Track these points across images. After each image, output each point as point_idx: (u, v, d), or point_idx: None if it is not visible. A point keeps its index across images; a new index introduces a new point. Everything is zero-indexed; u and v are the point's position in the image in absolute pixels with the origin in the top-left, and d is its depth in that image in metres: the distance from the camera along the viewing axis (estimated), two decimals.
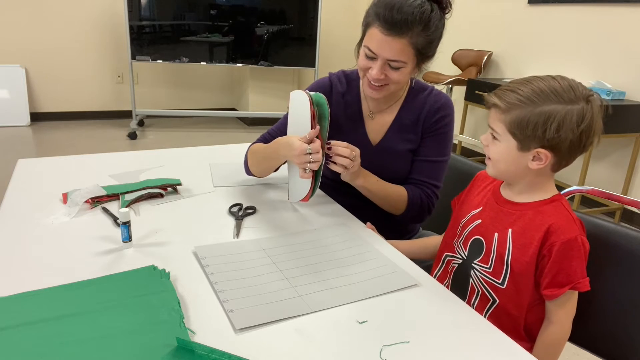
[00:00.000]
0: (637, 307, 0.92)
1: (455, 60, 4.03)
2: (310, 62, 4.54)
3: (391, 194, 1.21)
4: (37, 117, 4.55)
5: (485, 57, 3.79)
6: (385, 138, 1.26)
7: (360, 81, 1.29)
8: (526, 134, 0.86)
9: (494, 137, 0.92)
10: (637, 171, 2.95)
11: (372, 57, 1.11)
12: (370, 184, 1.18)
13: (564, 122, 0.83)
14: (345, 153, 1.08)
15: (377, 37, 1.08)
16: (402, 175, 1.27)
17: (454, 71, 4.04)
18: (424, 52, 1.11)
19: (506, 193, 0.98)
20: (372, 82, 1.15)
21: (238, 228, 1.07)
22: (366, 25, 1.12)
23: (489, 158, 0.95)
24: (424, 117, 1.24)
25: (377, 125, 1.27)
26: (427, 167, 1.25)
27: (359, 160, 1.12)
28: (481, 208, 1.01)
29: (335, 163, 1.10)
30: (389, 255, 0.99)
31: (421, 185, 1.25)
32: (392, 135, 1.26)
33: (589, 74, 3.14)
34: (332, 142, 1.10)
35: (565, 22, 3.29)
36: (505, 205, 0.97)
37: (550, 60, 3.44)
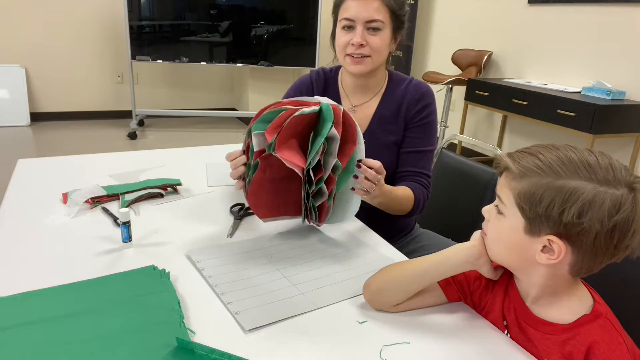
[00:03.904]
0: None
1: (455, 60, 4.03)
2: (310, 62, 4.54)
3: (401, 200, 1.17)
4: (37, 117, 4.55)
5: (485, 57, 3.79)
6: (368, 130, 1.28)
7: (340, 70, 1.33)
8: (537, 212, 0.64)
9: (499, 212, 0.71)
10: (637, 171, 2.95)
11: (350, 27, 1.18)
12: (386, 197, 1.08)
13: (590, 206, 0.61)
14: (371, 177, 0.97)
15: (352, 4, 1.17)
16: (389, 168, 1.19)
17: (454, 71, 4.04)
18: (398, 12, 1.19)
19: (532, 305, 0.74)
20: (354, 55, 1.18)
21: (234, 228, 1.07)
22: (337, 5, 1.22)
23: (485, 234, 0.75)
24: (405, 107, 1.26)
25: (359, 119, 1.25)
26: (417, 158, 1.26)
27: (382, 183, 1.02)
28: (506, 323, 0.78)
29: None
30: (388, 253, 0.99)
31: (416, 177, 1.24)
32: (374, 128, 1.27)
33: (589, 74, 3.14)
34: (365, 160, 0.97)
35: (566, 22, 3.29)
36: (538, 326, 0.72)
37: (550, 60, 3.44)
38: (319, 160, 0.94)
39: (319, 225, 1.06)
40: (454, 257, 0.76)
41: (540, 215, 0.64)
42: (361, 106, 1.30)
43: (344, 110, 0.94)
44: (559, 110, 2.90)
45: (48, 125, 4.49)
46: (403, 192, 1.18)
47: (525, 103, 3.15)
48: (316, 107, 0.93)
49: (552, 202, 0.63)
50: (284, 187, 0.99)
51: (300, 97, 0.98)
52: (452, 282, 0.81)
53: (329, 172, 0.94)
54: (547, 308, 0.72)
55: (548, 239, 0.65)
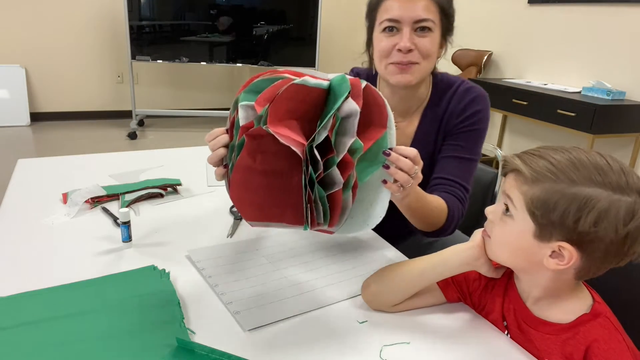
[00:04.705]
0: None
1: (455, 60, 4.03)
2: (310, 62, 4.53)
3: (433, 211, 0.97)
4: (37, 117, 4.54)
5: (485, 57, 3.79)
6: (412, 145, 1.11)
7: (378, 78, 1.15)
8: (550, 219, 0.63)
9: (506, 213, 0.69)
10: (638, 171, 2.95)
11: (394, 28, 1.01)
12: (417, 200, 0.90)
13: (606, 215, 0.60)
14: (407, 167, 0.75)
15: (394, 3, 1.00)
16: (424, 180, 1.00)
17: (454, 71, 4.04)
18: (448, 11, 1.03)
19: (532, 305, 0.74)
20: (401, 61, 1.01)
21: (234, 228, 1.06)
22: (374, 7, 1.05)
23: (489, 236, 0.72)
24: (447, 119, 1.09)
25: (399, 136, 1.08)
26: (455, 165, 1.06)
27: (419, 176, 0.81)
28: (505, 324, 0.77)
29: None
30: (388, 253, 0.99)
31: (451, 187, 1.04)
32: (417, 144, 1.11)
33: (589, 74, 3.14)
34: (397, 147, 0.76)
35: (566, 22, 3.29)
36: (538, 327, 0.72)
37: (550, 60, 3.44)
38: (328, 139, 0.69)
39: (329, 231, 0.76)
40: (453, 258, 0.76)
41: (553, 222, 0.63)
42: (400, 124, 1.12)
43: (367, 84, 0.72)
44: (559, 110, 2.90)
45: (48, 125, 4.49)
46: (436, 202, 0.98)
47: (525, 103, 3.15)
48: (323, 82, 0.70)
49: (566, 210, 0.61)
50: (280, 185, 0.72)
51: (303, 69, 0.75)
52: (452, 282, 0.81)
53: (344, 153, 0.69)
54: (548, 308, 0.72)
55: (559, 245, 0.63)
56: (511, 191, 0.68)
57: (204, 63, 4.43)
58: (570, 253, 0.63)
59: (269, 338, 0.72)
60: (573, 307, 0.70)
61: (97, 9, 4.51)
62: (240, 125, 0.70)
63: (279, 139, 0.65)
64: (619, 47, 2.97)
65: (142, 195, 1.17)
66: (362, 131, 0.70)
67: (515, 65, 3.71)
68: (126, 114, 4.68)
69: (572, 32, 3.24)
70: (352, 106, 0.69)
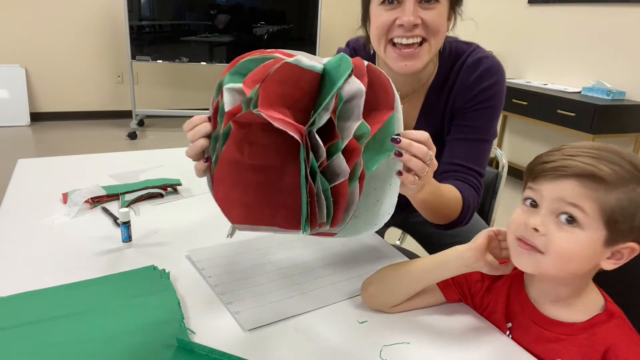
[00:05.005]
0: None
1: None
2: None
3: (449, 202, 0.88)
4: (37, 117, 4.54)
5: None
6: (416, 127, 1.01)
7: (377, 59, 1.01)
8: (632, 225, 0.60)
9: (571, 221, 0.61)
10: None
11: (394, 1, 0.86)
12: (432, 193, 0.80)
13: None
14: (421, 154, 0.65)
15: None
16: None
17: None
18: None
19: (543, 305, 0.71)
20: (403, 44, 0.87)
21: (234, 228, 1.06)
22: None
23: (541, 252, 0.63)
24: (453, 100, 0.96)
25: (405, 111, 0.98)
26: (468, 148, 0.94)
27: (435, 163, 0.72)
28: (510, 325, 0.75)
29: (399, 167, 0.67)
30: (388, 253, 0.99)
31: (465, 175, 0.93)
32: (422, 126, 1.01)
33: (589, 74, 3.14)
34: (406, 132, 0.66)
35: (566, 22, 3.29)
36: (551, 327, 0.70)
37: (550, 60, 3.44)
38: (330, 123, 0.59)
39: (331, 233, 0.66)
40: (452, 260, 0.75)
41: (632, 228, 0.60)
42: (405, 102, 0.99)
43: (369, 64, 0.63)
44: (559, 110, 2.90)
45: (48, 125, 4.49)
46: (450, 192, 0.88)
47: (525, 103, 3.15)
48: (317, 65, 0.61)
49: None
50: (272, 182, 0.64)
51: (300, 53, 0.64)
52: (452, 284, 0.81)
53: (349, 138, 0.59)
54: (560, 308, 0.70)
55: (628, 247, 0.62)
56: (579, 199, 0.60)
57: (204, 63, 4.43)
58: (631, 251, 0.62)
59: (269, 338, 0.72)
60: (586, 306, 0.69)
61: (97, 9, 4.51)
62: (226, 111, 0.60)
63: (273, 123, 0.55)
64: (619, 47, 2.96)
65: (142, 195, 1.17)
66: (366, 115, 0.61)
67: (515, 65, 3.71)
68: (126, 114, 4.68)
69: (572, 32, 3.24)
70: (356, 85, 0.60)
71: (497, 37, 3.83)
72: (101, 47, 4.65)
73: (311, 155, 0.58)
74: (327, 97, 0.59)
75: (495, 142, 0.99)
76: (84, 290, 0.80)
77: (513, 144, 3.78)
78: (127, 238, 0.96)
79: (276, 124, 0.56)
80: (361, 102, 0.60)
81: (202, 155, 0.66)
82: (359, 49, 1.06)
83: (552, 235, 0.62)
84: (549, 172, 0.63)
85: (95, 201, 1.14)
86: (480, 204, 1.24)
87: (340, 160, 0.59)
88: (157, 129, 4.68)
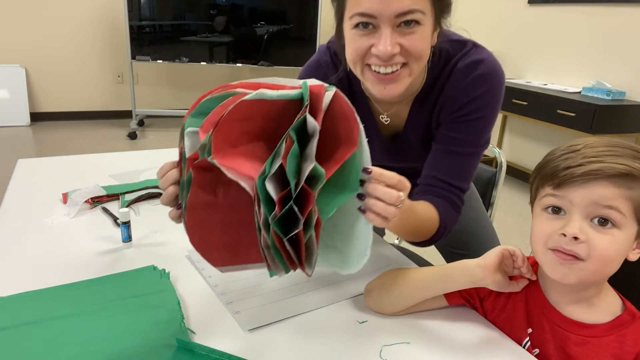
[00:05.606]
0: None
1: None
2: None
3: (423, 222, 0.83)
4: (37, 117, 4.55)
5: None
6: (399, 140, 0.97)
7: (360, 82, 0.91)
8: None
9: (610, 224, 0.60)
10: None
11: (369, 24, 0.75)
12: (403, 217, 0.70)
13: None
14: (391, 199, 0.61)
15: None
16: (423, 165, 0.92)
17: None
18: None
19: (564, 307, 0.69)
20: (381, 72, 0.78)
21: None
22: None
23: (581, 259, 0.61)
24: (439, 109, 0.89)
25: (390, 131, 0.96)
26: (450, 161, 0.87)
27: (407, 203, 0.69)
28: (531, 331, 0.72)
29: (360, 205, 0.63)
30: (388, 253, 0.99)
31: (444, 191, 0.87)
32: (408, 137, 0.96)
33: (589, 74, 3.14)
34: (374, 169, 0.61)
35: (565, 22, 3.29)
36: (575, 330, 0.67)
37: (550, 60, 3.44)
38: (284, 169, 0.56)
39: (306, 273, 0.63)
40: (459, 275, 0.73)
41: None
42: (392, 111, 0.93)
43: (336, 93, 0.59)
44: (558, 111, 2.90)
45: (48, 125, 4.49)
46: (426, 213, 0.83)
47: (525, 103, 3.15)
48: (291, 92, 0.58)
49: None
50: (252, 220, 0.60)
51: (272, 79, 0.62)
52: (457, 293, 0.79)
53: (301, 184, 0.57)
54: (581, 309, 0.68)
55: None
56: (615, 201, 0.59)
57: (204, 63, 4.43)
58: None
59: (269, 338, 0.72)
60: (605, 307, 0.68)
61: (97, 9, 4.51)
62: (187, 157, 0.59)
63: (226, 173, 0.54)
64: (619, 47, 2.97)
65: (142, 195, 1.17)
66: (331, 152, 0.59)
67: (515, 65, 3.71)
68: (126, 114, 4.69)
69: (572, 32, 3.25)
70: (310, 125, 0.56)
71: (497, 37, 3.83)
72: (101, 47, 4.65)
73: (262, 207, 0.56)
74: (282, 139, 0.57)
75: (494, 141, 0.98)
76: (84, 290, 0.80)
77: (513, 143, 3.78)
78: (127, 238, 0.96)
79: (229, 175, 0.54)
80: (314, 142, 0.57)
81: (175, 202, 0.65)
82: (327, 63, 0.95)
83: (592, 241, 0.60)
84: (578, 178, 0.60)
85: (95, 201, 1.14)
86: (480, 204, 1.24)
87: (294, 210, 0.57)
88: (157, 129, 4.69)
